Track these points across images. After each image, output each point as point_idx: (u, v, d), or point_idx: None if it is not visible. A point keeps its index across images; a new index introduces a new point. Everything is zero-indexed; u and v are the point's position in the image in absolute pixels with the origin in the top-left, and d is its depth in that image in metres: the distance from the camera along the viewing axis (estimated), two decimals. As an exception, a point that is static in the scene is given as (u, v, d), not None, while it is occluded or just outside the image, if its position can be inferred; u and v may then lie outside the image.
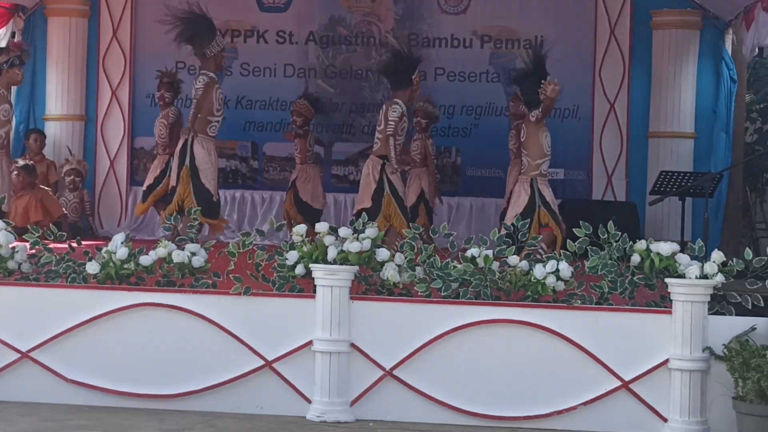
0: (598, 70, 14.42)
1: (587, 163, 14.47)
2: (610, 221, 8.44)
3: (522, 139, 11.41)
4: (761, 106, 16.87)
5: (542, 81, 11.15)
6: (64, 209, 13.83)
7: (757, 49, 12.76)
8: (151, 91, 14.57)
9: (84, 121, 14.91)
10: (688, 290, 8.04)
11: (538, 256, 8.59)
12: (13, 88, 14.28)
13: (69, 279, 8.65)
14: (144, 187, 13.46)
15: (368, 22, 14.97)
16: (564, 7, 14.57)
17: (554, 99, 11.13)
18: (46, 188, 13.80)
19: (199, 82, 11.46)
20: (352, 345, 8.34)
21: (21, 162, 13.54)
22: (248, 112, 14.99)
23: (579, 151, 14.45)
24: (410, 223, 10.26)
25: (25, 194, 13.33)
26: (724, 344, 7.97)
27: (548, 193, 11.19)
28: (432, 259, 8.45)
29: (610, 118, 14.44)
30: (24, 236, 8.95)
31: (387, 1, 14.91)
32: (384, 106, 11.52)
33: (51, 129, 14.67)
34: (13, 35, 14.67)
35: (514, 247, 8.46)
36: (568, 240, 8.49)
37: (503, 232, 8.66)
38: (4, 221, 8.89)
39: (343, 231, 8.46)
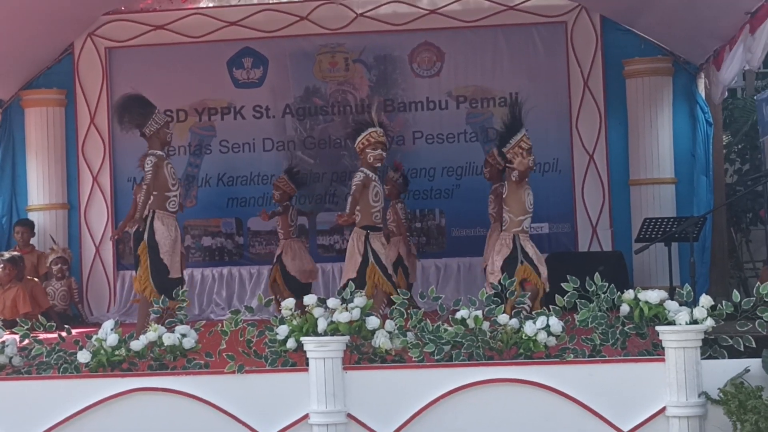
0: (574, 122, 14.55)
1: (571, 216, 14.55)
2: (597, 273, 8.45)
3: (504, 196, 11.41)
4: (739, 147, 17.00)
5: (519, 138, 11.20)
6: (51, 299, 13.82)
7: (726, 91, 12.84)
8: (132, 174, 14.70)
9: (67, 209, 14.98)
10: (679, 336, 8.04)
11: (524, 312, 8.59)
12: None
13: (61, 369, 8.61)
14: None
15: (343, 90, 15.09)
16: (536, 63, 14.73)
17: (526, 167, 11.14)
18: (35, 279, 13.81)
19: (148, 164, 11.24)
20: (349, 415, 8.30)
21: (6, 255, 13.56)
22: (230, 188, 15.06)
23: (562, 204, 14.53)
24: (397, 289, 10.28)
25: (12, 286, 13.33)
26: (719, 388, 7.95)
27: (531, 248, 11.19)
28: (423, 323, 8.45)
29: (590, 169, 14.54)
30: (13, 329, 8.93)
31: (360, 69, 15.05)
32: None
33: (34, 219, 14.72)
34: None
35: (503, 306, 8.46)
36: (556, 295, 8.48)
37: (491, 291, 8.68)
38: (-8, 317, 8.88)
39: (332, 302, 8.45)
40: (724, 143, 15.87)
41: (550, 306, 8.49)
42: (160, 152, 11.37)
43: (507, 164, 11.40)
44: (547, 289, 10.90)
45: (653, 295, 8.26)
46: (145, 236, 11.21)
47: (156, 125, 11.39)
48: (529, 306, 10.07)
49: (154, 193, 11.25)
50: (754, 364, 8.04)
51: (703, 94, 14.18)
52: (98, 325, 9.42)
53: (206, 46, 15.00)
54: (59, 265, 14.25)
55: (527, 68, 14.74)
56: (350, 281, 10.34)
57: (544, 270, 11.11)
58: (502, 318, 8.36)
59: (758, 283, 8.31)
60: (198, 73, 15.05)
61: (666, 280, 12.98)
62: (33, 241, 14.44)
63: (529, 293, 9.94)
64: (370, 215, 11.14)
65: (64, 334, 8.83)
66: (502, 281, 8.79)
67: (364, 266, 11.03)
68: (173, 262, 11.26)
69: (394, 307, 8.58)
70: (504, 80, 14.75)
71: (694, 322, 8.08)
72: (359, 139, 11.20)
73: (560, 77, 14.64)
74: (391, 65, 15.02)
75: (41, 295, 13.58)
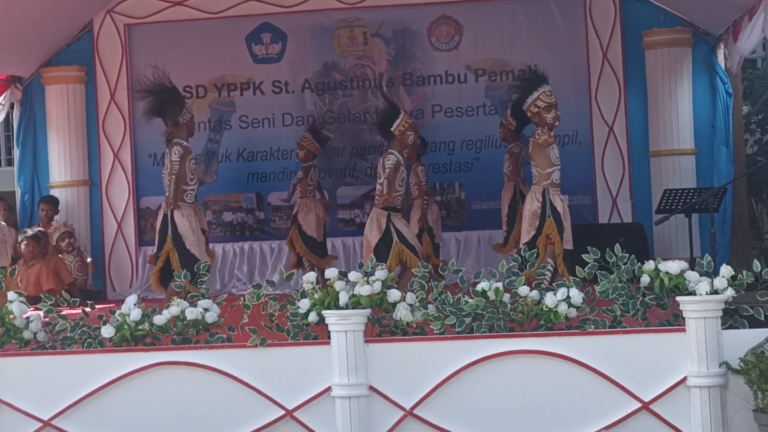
0: (593, 95, 14.52)
1: (591, 188, 14.54)
2: (617, 244, 8.46)
3: (529, 151, 11.49)
4: (759, 117, 16.93)
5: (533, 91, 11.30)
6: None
7: (743, 61, 12.80)
8: (153, 151, 14.74)
9: (88, 186, 15.03)
10: (700, 307, 8.05)
11: (545, 283, 8.61)
12: (15, 157, 14.47)
13: (85, 344, 8.69)
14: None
15: (362, 65, 15.08)
16: (555, 35, 14.69)
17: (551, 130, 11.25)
18: (58, 255, 13.88)
19: (175, 153, 11.50)
20: (371, 388, 8.35)
21: (29, 232, 13.64)
22: (250, 164, 15.09)
23: (582, 176, 14.50)
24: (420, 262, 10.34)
25: (35, 263, 13.42)
26: (740, 358, 7.97)
27: (560, 203, 11.23)
28: (443, 295, 8.48)
29: (610, 141, 14.52)
30: (37, 305, 9.00)
31: (379, 43, 15.03)
32: (381, 158, 11.62)
33: (56, 196, 14.74)
34: (11, 106, 14.81)
35: (523, 277, 8.48)
36: (577, 267, 8.50)
37: (513, 261, 8.69)
38: (16, 292, 8.94)
39: (353, 275, 8.49)
40: (744, 114, 15.81)
41: (571, 278, 8.52)
42: (186, 144, 11.55)
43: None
44: (570, 248, 10.96)
45: (674, 266, 8.27)
46: (169, 231, 11.40)
47: (189, 114, 11.74)
48: (551, 272, 10.13)
49: (170, 181, 11.44)
50: (775, 333, 8.06)
51: (723, 65, 14.12)
52: (120, 301, 9.47)
53: (225, 21, 15.00)
54: (66, 240, 14.28)
55: (546, 40, 14.69)
56: (372, 256, 10.44)
57: (568, 227, 11.16)
58: (523, 290, 8.38)
59: (779, 253, 8.31)
60: (217, 48, 15.06)
61: (686, 251, 12.97)
62: (57, 218, 14.50)
63: (549, 261, 9.95)
64: (393, 198, 11.30)
65: (87, 309, 8.89)
66: (523, 253, 8.81)
67: (383, 245, 11.14)
68: (201, 250, 11.49)
69: (414, 279, 8.61)
70: (523, 53, 14.70)
71: (715, 292, 8.09)
72: (398, 123, 11.53)
73: (579, 49, 14.60)
74: (409, 39, 15.00)
75: (64, 271, 13.66)
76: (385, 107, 12.05)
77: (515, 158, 13.25)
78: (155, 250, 11.86)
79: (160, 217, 11.75)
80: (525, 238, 11.19)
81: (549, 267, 10.30)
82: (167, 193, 11.57)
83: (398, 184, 11.47)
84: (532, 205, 11.27)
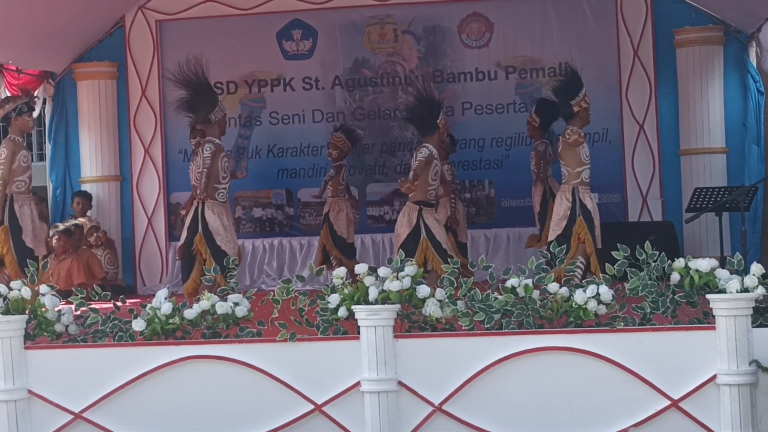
0: (624, 92, 14.49)
1: (621, 186, 14.51)
2: (647, 241, 8.45)
3: (559, 151, 11.53)
4: (791, 115, 16.84)
5: (574, 96, 11.34)
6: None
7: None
8: (183, 147, 14.79)
9: (119, 181, 15.11)
10: (730, 305, 8.03)
11: (575, 280, 8.60)
12: (47, 152, 14.55)
13: (116, 338, 8.73)
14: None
15: (392, 62, 15.10)
16: (585, 33, 14.67)
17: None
18: (91, 249, 13.95)
19: (207, 150, 11.52)
20: (400, 383, 8.37)
21: (61, 226, 13.72)
22: (280, 160, 15.14)
23: (612, 174, 14.49)
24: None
25: (67, 257, 13.50)
26: (770, 356, 7.96)
27: (589, 201, 11.24)
28: (473, 292, 8.49)
29: (641, 139, 14.50)
30: (68, 299, 9.05)
31: (409, 40, 15.05)
32: (414, 152, 11.63)
33: (87, 191, 14.82)
34: (44, 101, 14.89)
35: (552, 274, 8.48)
36: (606, 264, 8.50)
37: (541, 256, 8.70)
38: (48, 285, 8.99)
39: (383, 271, 8.50)
40: (776, 112, 15.75)
41: (601, 275, 8.51)
42: (218, 141, 11.58)
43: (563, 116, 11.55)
44: (599, 246, 10.96)
45: (704, 264, 8.25)
46: (200, 227, 11.44)
47: (221, 113, 11.79)
48: (581, 269, 10.13)
49: (203, 178, 11.47)
50: (806, 331, 8.04)
51: (754, 63, 14.07)
52: (151, 296, 9.51)
53: (256, 18, 15.04)
54: (94, 235, 14.35)
55: (576, 38, 14.68)
56: (400, 250, 10.47)
57: (597, 225, 11.17)
58: (552, 286, 8.38)
59: (809, 251, 8.28)
60: (248, 45, 15.12)
61: (717, 250, 12.93)
62: (90, 213, 14.59)
63: (580, 259, 9.94)
64: (426, 192, 11.36)
65: (119, 303, 8.94)
66: (552, 249, 8.82)
67: (416, 240, 11.15)
68: (232, 246, 11.50)
69: (444, 275, 8.62)
70: (553, 50, 14.67)
71: (745, 290, 8.07)
72: (441, 116, 11.60)
73: (610, 47, 14.58)
74: (440, 36, 15.02)
75: (96, 266, 13.74)
76: (427, 101, 11.97)
77: (540, 156, 13.28)
78: (182, 243, 11.82)
79: (189, 216, 11.72)
80: (551, 236, 11.21)
81: (579, 263, 10.29)
82: (198, 185, 11.54)
83: (431, 178, 11.45)
84: (561, 204, 11.29)
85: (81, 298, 8.84)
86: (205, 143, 11.60)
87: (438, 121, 11.61)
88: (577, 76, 11.76)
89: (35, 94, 14.00)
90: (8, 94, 13.18)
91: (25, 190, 11.84)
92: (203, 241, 11.49)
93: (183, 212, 12.05)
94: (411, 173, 11.38)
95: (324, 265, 12.39)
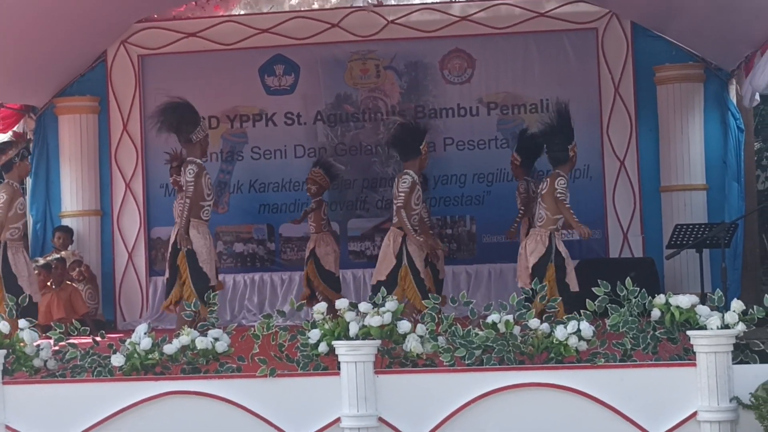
0: (605, 129, 14.53)
1: (602, 222, 14.53)
2: (628, 278, 8.46)
3: (542, 192, 11.38)
4: (771, 152, 16.96)
5: (571, 140, 11.44)
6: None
7: (758, 97, 12.80)
8: (164, 181, 14.75)
9: (100, 215, 15.07)
10: (711, 341, 8.04)
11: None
12: (28, 186, 14.51)
13: (95, 373, 8.69)
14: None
15: (374, 97, 15.13)
16: (567, 69, 14.73)
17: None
18: (73, 284, 13.90)
19: (189, 172, 11.50)
20: (380, 419, 8.34)
21: (41, 261, 13.67)
22: (262, 195, 15.13)
23: (593, 210, 14.50)
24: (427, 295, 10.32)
25: (47, 292, 13.44)
26: (750, 393, 7.95)
27: (563, 249, 11.23)
28: (453, 327, 8.48)
29: (621, 176, 14.53)
30: (48, 333, 9.01)
31: (391, 76, 15.09)
32: (396, 179, 11.63)
33: (68, 225, 14.78)
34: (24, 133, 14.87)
35: (533, 310, 8.49)
36: (587, 300, 8.50)
37: (522, 296, 8.70)
38: (27, 319, 8.95)
39: (364, 306, 8.49)
40: (756, 149, 15.83)
41: (581, 311, 8.51)
42: (200, 161, 11.57)
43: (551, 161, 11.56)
44: (576, 290, 10.94)
45: (684, 300, 8.27)
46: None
47: (203, 133, 11.73)
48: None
49: (186, 200, 11.44)
50: (786, 368, 8.05)
51: (734, 100, 14.14)
52: (131, 331, 9.47)
53: (238, 53, 15.07)
54: (77, 269, 14.30)
55: (558, 75, 14.74)
56: (381, 284, 10.45)
57: (571, 269, 11.15)
58: (533, 322, 8.38)
59: (789, 288, 8.30)
60: (230, 80, 15.13)
61: (697, 287, 12.96)
62: (71, 247, 14.54)
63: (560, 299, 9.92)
64: (410, 217, 11.28)
65: (98, 338, 8.90)
66: (533, 286, 8.82)
67: (397, 269, 11.13)
68: (212, 269, 11.46)
69: (425, 311, 8.62)
70: (535, 87, 14.76)
71: (726, 326, 8.08)
72: (424, 143, 11.61)
73: (591, 84, 14.63)
74: (422, 72, 15.06)
75: (79, 301, 13.69)
76: (411, 125, 12.04)
77: (524, 194, 13.27)
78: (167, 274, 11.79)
79: (173, 233, 11.69)
80: (525, 279, 11.16)
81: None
82: (180, 218, 11.53)
83: (414, 203, 11.45)
84: (536, 248, 11.22)
85: (60, 333, 8.80)
86: (187, 164, 11.56)
87: (421, 147, 11.62)
88: (570, 118, 11.77)
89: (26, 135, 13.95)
90: (8, 139, 13.14)
91: (18, 237, 11.84)
92: (185, 261, 11.44)
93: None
94: (397, 202, 11.37)
95: (305, 300, 12.36)
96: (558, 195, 11.21)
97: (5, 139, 13.22)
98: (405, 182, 11.41)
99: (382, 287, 10.25)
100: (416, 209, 11.51)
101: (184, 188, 11.61)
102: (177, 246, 11.51)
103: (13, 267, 11.51)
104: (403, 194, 11.36)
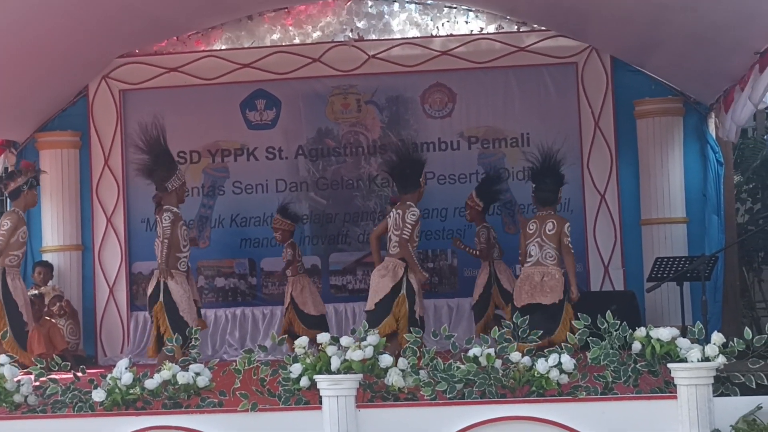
0: (586, 163, 14.58)
1: (583, 255, 14.52)
2: (609, 311, 8.49)
3: (549, 232, 11.70)
4: (750, 186, 17.03)
5: (562, 183, 11.91)
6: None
7: (739, 131, 12.88)
8: (146, 216, 14.73)
9: (81, 250, 15.02)
10: (691, 374, 8.08)
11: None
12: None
13: (76, 408, 8.67)
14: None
15: (355, 132, 15.16)
16: (547, 103, 14.80)
17: None
18: (52, 320, 13.85)
19: (166, 219, 11.54)
20: (362, 453, 8.34)
21: (20, 297, 13.61)
22: (243, 229, 15.11)
23: (574, 244, 14.36)
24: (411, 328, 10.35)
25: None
26: (731, 425, 7.98)
27: None
28: (435, 361, 8.49)
29: (602, 209, 14.58)
30: (28, 369, 8.98)
31: (372, 110, 15.13)
32: (399, 210, 11.61)
33: (48, 260, 14.74)
34: (6, 170, 14.84)
35: (515, 344, 8.51)
36: (568, 333, 8.55)
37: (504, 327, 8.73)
38: (7, 354, 8.93)
39: (345, 340, 8.51)
40: (735, 182, 15.91)
41: (563, 344, 8.54)
42: (177, 210, 11.58)
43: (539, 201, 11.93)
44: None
45: (665, 333, 8.31)
46: (161, 297, 11.41)
47: (178, 182, 11.74)
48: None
49: (161, 246, 11.49)
50: (766, 401, 8.09)
51: (713, 134, 14.22)
52: (111, 366, 9.46)
53: (219, 88, 15.10)
54: (57, 304, 14.25)
55: (538, 109, 14.81)
56: (373, 310, 10.56)
57: None
58: (515, 356, 8.40)
59: (770, 320, 8.34)
60: (211, 114, 15.15)
61: (678, 319, 12.98)
62: (52, 282, 14.50)
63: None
64: (414, 249, 11.39)
65: (79, 374, 8.88)
66: (515, 319, 8.84)
67: (394, 294, 11.16)
68: (192, 315, 11.49)
69: (407, 345, 8.63)
70: (515, 121, 14.83)
71: (706, 359, 8.12)
72: (423, 175, 11.82)
73: (571, 118, 14.69)
74: (403, 106, 15.10)
75: (58, 336, 13.62)
76: (411, 157, 12.09)
77: (485, 240, 13.29)
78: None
79: (152, 284, 11.73)
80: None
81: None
82: (159, 261, 11.59)
83: (416, 236, 11.55)
84: (557, 285, 11.56)
85: (40, 368, 8.78)
86: (163, 212, 11.60)
87: (420, 179, 11.69)
88: (557, 163, 12.12)
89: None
90: (16, 168, 13.13)
91: (16, 264, 11.91)
92: (163, 311, 11.45)
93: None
94: (403, 234, 11.42)
95: (286, 335, 12.36)
96: (569, 243, 11.70)
97: (14, 168, 13.18)
98: (413, 215, 11.47)
99: (372, 315, 10.41)
100: (417, 242, 11.58)
101: (160, 236, 11.62)
102: (156, 295, 11.51)
103: (13, 293, 11.56)
104: (410, 227, 11.43)
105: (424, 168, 12.05)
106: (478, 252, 13.39)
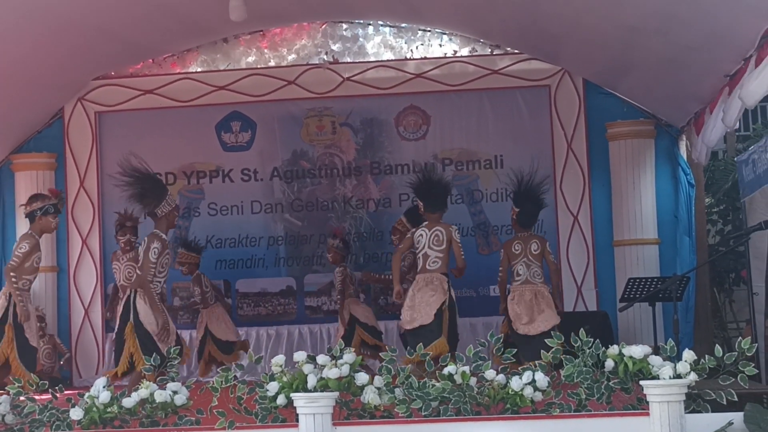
0: (558, 184, 14.69)
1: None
2: (581, 329, 8.58)
3: (535, 252, 12.14)
4: (721, 207, 17.18)
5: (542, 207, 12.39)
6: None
7: (709, 153, 13.01)
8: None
9: (56, 272, 15.04)
10: (663, 390, 8.16)
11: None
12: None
13: (53, 427, 8.68)
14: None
15: (330, 153, 15.25)
16: (520, 126, 14.92)
17: None
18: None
19: (154, 252, 11.41)
20: (339, 471, 8.39)
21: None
22: (218, 251, 15.16)
23: (547, 265, 14.61)
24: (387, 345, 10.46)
25: (1, 348, 13.34)
26: (703, 441, 8.07)
27: None
28: (410, 379, 8.56)
29: (575, 230, 14.68)
30: (5, 388, 9.01)
31: (347, 132, 15.22)
32: (438, 228, 11.82)
33: (24, 282, 14.75)
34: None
35: (489, 362, 8.59)
36: (542, 351, 8.62)
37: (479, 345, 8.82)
38: (-13, 376, 8.97)
39: (321, 358, 8.56)
40: (706, 204, 16.05)
41: (536, 362, 8.63)
42: (165, 237, 11.55)
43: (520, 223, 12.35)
44: None
45: (637, 350, 8.39)
46: (131, 317, 11.40)
47: (168, 207, 11.66)
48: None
49: (139, 272, 11.50)
50: (737, 417, 8.16)
51: (685, 156, 14.37)
52: (87, 387, 9.48)
53: (195, 110, 15.18)
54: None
55: (512, 131, 14.93)
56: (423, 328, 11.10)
57: None
58: (489, 374, 8.48)
59: (739, 338, 8.43)
60: (187, 136, 15.23)
61: (651, 339, 13.05)
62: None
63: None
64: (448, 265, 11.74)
65: (57, 392, 8.91)
66: (489, 338, 8.93)
67: (438, 314, 11.44)
68: (164, 341, 11.43)
69: (382, 363, 8.70)
70: (489, 143, 14.95)
71: (678, 376, 8.20)
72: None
73: (544, 140, 14.81)
74: (377, 128, 15.20)
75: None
76: (442, 179, 12.52)
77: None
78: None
79: (122, 301, 11.72)
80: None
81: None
82: (129, 283, 11.59)
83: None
84: (551, 304, 12.02)
85: (18, 386, 8.81)
86: (153, 240, 11.47)
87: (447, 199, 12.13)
88: (535, 190, 12.50)
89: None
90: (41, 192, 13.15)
91: (27, 288, 11.93)
92: (132, 332, 11.40)
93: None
94: (439, 253, 11.68)
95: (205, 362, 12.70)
96: (554, 260, 12.41)
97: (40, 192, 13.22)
98: (457, 232, 11.87)
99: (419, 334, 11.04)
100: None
101: (140, 261, 11.59)
102: (127, 316, 11.50)
103: (19, 316, 11.64)
104: (459, 243, 11.78)
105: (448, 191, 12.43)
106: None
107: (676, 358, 8.43)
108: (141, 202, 11.75)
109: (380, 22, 15.15)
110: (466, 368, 8.49)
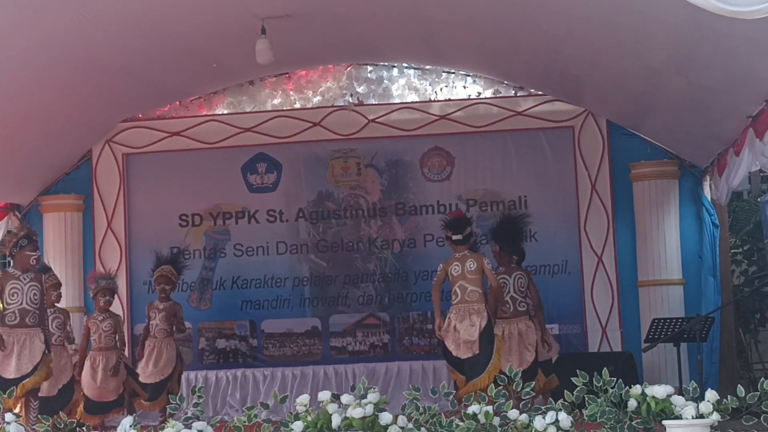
0: (583, 225, 14.71)
1: (581, 317, 14.66)
2: (605, 369, 8.60)
3: (527, 286, 12.19)
4: (745, 248, 17.16)
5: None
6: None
7: (730, 193, 13.04)
8: (148, 278, 14.79)
9: (83, 312, 15.11)
10: (686, 431, 8.16)
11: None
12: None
13: (80, 466, 8.78)
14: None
15: (355, 194, 15.31)
16: (544, 167, 14.95)
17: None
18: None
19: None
20: None
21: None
22: (244, 291, 15.22)
23: (571, 305, 14.66)
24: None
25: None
26: (726, 482, 8.07)
27: None
28: (436, 418, 8.59)
29: (599, 271, 14.68)
30: (35, 426, 9.08)
31: (372, 174, 15.28)
32: (472, 260, 11.82)
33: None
34: (8, 233, 14.95)
35: (512, 401, 8.62)
36: (565, 390, 8.64)
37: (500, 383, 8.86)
38: (14, 413, 9.03)
39: (345, 398, 8.61)
40: (730, 245, 16.04)
41: (560, 401, 8.65)
42: None
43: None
44: None
45: (660, 390, 8.41)
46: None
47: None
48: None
49: None
50: (760, 458, 8.17)
51: (708, 197, 14.39)
52: (113, 427, 9.56)
53: (221, 151, 15.29)
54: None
55: (536, 172, 14.98)
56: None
57: None
58: (512, 413, 8.51)
59: (762, 378, 8.43)
60: (213, 178, 15.33)
61: (675, 380, 13.03)
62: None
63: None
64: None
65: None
66: (507, 373, 8.96)
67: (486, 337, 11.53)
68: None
69: (409, 400, 8.72)
70: (513, 184, 14.98)
71: (700, 416, 8.21)
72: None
73: (568, 180, 14.85)
74: (402, 169, 15.26)
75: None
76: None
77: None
78: None
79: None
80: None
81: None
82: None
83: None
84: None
85: (47, 426, 8.88)
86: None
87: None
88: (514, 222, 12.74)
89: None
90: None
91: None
92: None
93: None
94: (492, 278, 11.80)
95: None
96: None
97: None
98: (488, 263, 11.92)
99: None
100: None
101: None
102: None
103: None
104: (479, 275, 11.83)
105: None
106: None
107: (699, 398, 8.44)
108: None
109: (405, 64, 15.28)
110: (489, 408, 8.52)
